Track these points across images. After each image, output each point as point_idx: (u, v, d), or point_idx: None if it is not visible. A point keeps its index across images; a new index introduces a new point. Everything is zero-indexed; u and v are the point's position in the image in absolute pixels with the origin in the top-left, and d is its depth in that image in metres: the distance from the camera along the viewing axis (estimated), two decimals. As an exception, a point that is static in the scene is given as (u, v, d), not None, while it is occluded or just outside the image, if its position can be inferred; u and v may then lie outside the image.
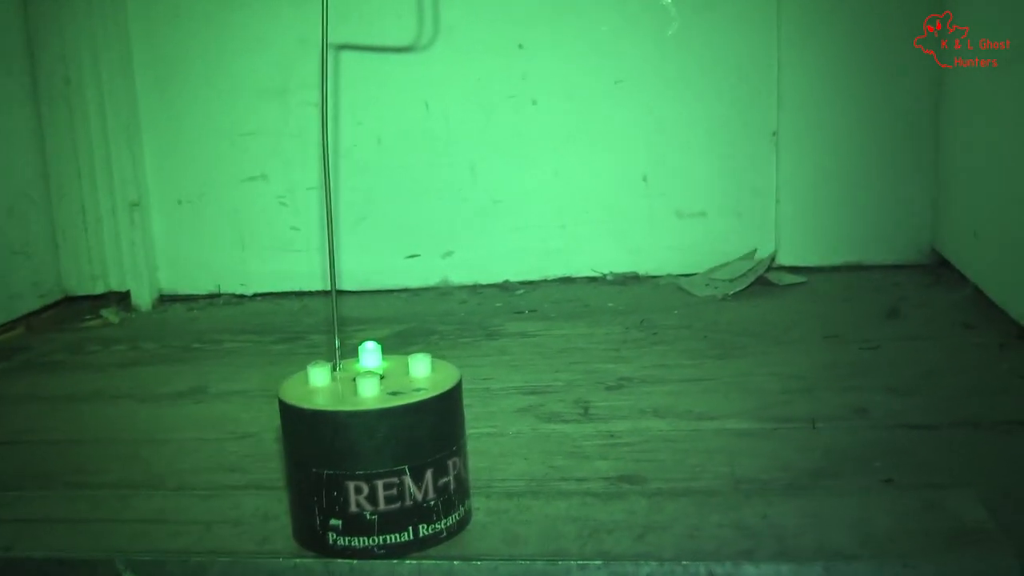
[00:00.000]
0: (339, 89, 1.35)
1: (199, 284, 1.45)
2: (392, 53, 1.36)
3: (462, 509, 0.61)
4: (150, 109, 1.41)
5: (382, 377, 0.61)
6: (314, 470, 0.58)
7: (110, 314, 1.36)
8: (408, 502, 0.58)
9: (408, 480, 0.58)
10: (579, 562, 0.57)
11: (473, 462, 0.67)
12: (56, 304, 1.39)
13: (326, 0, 0.61)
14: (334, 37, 1.33)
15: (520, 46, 1.34)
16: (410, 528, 0.58)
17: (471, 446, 0.64)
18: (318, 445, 0.58)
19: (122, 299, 1.42)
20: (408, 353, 0.64)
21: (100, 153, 1.37)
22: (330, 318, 1.27)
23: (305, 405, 0.58)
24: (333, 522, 0.58)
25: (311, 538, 0.60)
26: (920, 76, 1.27)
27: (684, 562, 0.56)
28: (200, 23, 1.38)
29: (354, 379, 0.60)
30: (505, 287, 1.38)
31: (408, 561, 0.58)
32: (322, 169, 1.39)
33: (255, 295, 1.44)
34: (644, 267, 1.38)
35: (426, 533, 0.59)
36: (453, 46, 1.34)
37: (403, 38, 1.36)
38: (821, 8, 1.28)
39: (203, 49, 1.39)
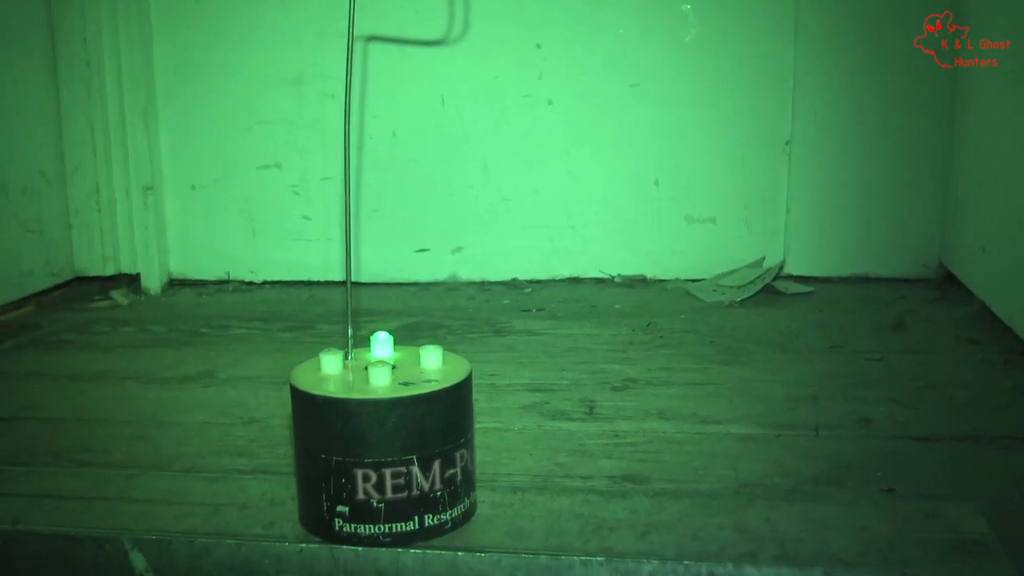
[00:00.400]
0: (356, 82, 1.36)
1: (209, 269, 1.46)
2: (410, 48, 1.36)
3: (467, 501, 0.62)
4: (168, 94, 1.42)
5: (394, 367, 0.62)
6: (323, 456, 0.59)
7: (119, 296, 1.37)
8: (415, 492, 0.59)
9: (416, 470, 0.58)
10: (582, 558, 0.58)
11: (479, 456, 0.68)
12: (66, 284, 1.40)
13: (353, -8, 0.61)
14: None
15: (538, 46, 1.35)
16: (416, 518, 0.59)
17: (477, 440, 0.65)
18: (328, 432, 0.58)
19: (132, 281, 1.42)
20: (419, 345, 0.64)
21: (116, 135, 1.38)
22: (338, 308, 1.28)
23: (316, 392, 0.59)
24: (340, 509, 0.59)
25: (318, 524, 0.60)
26: (934, 92, 1.27)
27: (686, 562, 0.57)
28: (221, 10, 1.39)
29: (366, 368, 0.61)
30: (513, 285, 1.39)
31: (413, 550, 0.59)
32: (337, 159, 1.40)
33: (264, 283, 1.45)
34: (652, 270, 1.39)
35: (431, 523, 0.60)
36: (471, 43, 1.35)
37: (420, 33, 1.36)
38: (839, 21, 1.29)
39: (222, 36, 1.39)
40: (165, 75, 1.41)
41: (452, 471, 0.60)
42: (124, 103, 1.37)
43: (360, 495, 0.58)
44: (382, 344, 0.65)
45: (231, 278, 1.45)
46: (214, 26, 1.39)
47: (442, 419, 0.59)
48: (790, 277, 1.34)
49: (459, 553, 0.59)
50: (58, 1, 1.35)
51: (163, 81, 1.42)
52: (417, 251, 1.41)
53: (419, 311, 1.26)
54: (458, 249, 1.41)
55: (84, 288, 1.41)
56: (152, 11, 1.40)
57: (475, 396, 0.64)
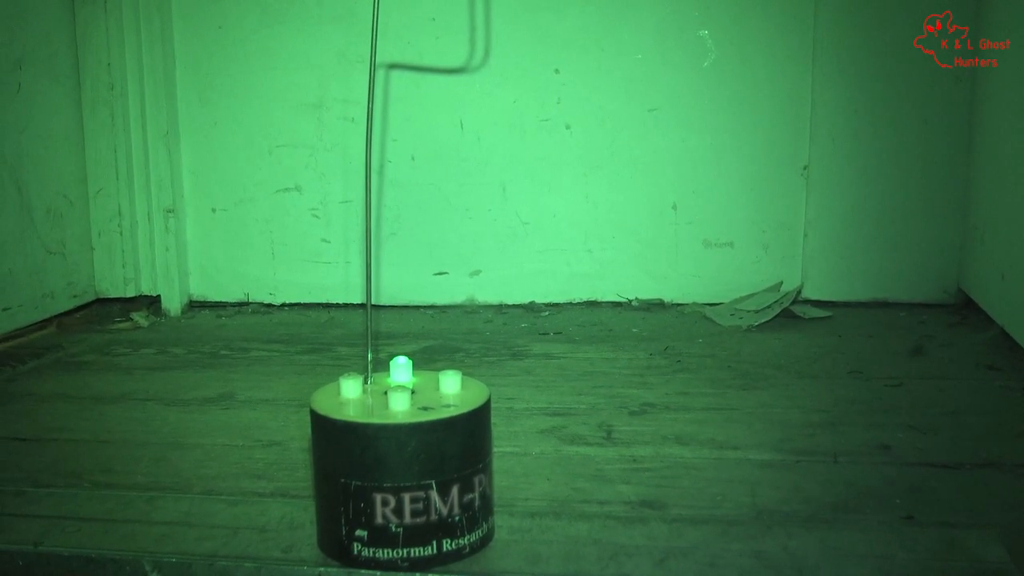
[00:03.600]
0: (376, 106, 1.37)
1: (229, 292, 1.47)
2: (430, 73, 1.38)
3: (485, 526, 0.62)
4: (190, 118, 1.43)
5: (413, 392, 0.62)
6: (342, 480, 0.59)
7: (140, 317, 1.38)
8: (433, 516, 0.59)
9: (434, 495, 0.59)
10: (600, 584, 0.58)
11: (496, 481, 0.68)
12: (88, 305, 1.41)
13: (375, 20, 0.62)
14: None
15: (556, 71, 1.36)
16: (434, 542, 0.59)
17: (495, 465, 0.65)
18: (347, 456, 0.59)
19: (152, 303, 1.43)
20: (438, 369, 0.65)
21: (139, 159, 1.40)
22: (356, 330, 1.29)
23: (336, 416, 0.59)
24: (359, 533, 0.59)
25: (336, 548, 0.60)
26: (953, 117, 1.27)
27: (704, 589, 0.57)
28: (243, 36, 1.40)
29: (385, 392, 0.61)
30: (531, 308, 1.39)
31: (431, 575, 0.59)
32: (356, 183, 1.41)
33: (283, 305, 1.46)
34: (669, 294, 1.39)
35: (449, 548, 0.60)
36: (491, 69, 1.36)
37: (440, 59, 1.37)
38: (856, 47, 1.29)
39: (244, 62, 1.41)
40: (187, 100, 1.43)
41: (470, 496, 0.60)
42: (147, 127, 1.39)
43: (379, 519, 0.58)
44: (401, 369, 0.65)
45: (251, 300, 1.46)
46: (236, 51, 1.41)
47: (461, 444, 0.59)
48: (808, 302, 1.34)
49: (477, 578, 0.59)
50: (83, 27, 1.38)
51: (185, 105, 1.43)
52: (435, 274, 1.42)
53: (437, 334, 1.26)
54: (476, 272, 1.42)
55: (105, 310, 1.42)
56: (175, 37, 1.41)
57: (493, 420, 0.64)
